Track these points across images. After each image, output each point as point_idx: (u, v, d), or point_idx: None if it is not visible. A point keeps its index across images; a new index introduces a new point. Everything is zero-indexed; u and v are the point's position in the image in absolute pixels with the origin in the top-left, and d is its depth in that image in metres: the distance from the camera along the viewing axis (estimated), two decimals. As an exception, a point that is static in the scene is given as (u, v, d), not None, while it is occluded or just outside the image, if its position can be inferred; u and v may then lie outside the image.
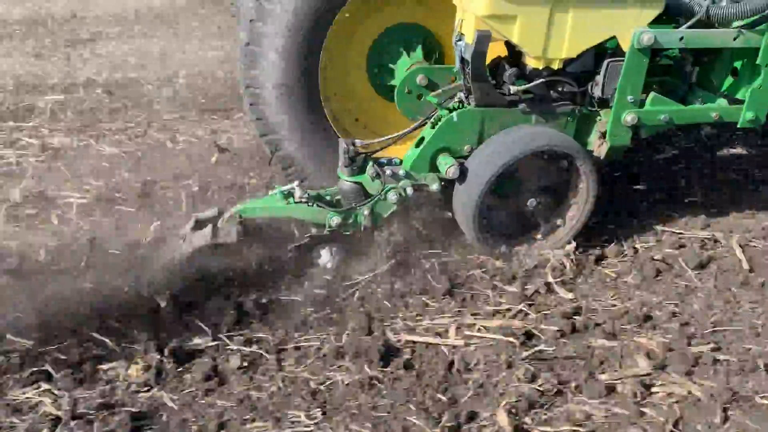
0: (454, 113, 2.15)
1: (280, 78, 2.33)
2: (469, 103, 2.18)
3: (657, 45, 2.02)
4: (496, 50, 2.20)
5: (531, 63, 2.08)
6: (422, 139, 2.20)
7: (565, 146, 2.13)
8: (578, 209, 2.25)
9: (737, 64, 2.26)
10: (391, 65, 2.56)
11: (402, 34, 2.55)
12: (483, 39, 1.99)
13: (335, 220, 2.12)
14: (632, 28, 2.01)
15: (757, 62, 2.11)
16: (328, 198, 2.22)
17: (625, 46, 2.04)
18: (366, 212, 2.14)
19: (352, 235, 2.18)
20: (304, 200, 2.11)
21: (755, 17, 2.05)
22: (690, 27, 2.05)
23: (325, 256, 2.15)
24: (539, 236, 2.29)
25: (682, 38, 2.05)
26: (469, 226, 2.19)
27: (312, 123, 2.40)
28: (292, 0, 2.24)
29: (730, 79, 2.29)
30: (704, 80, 2.34)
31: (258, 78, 2.35)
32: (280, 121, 2.39)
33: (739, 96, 2.21)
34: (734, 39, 2.09)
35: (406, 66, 2.45)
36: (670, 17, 2.11)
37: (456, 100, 2.25)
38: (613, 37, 2.04)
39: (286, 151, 2.44)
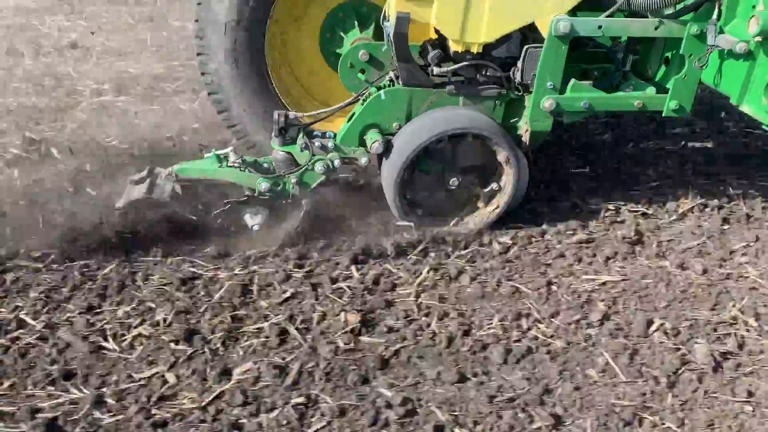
0: (382, 91, 2.26)
1: (228, 43, 2.46)
2: (396, 82, 2.28)
3: (574, 33, 2.07)
4: (428, 31, 2.28)
5: (452, 45, 2.16)
6: (353, 114, 2.32)
7: (484, 129, 2.20)
8: (501, 192, 2.33)
9: (668, 54, 2.28)
10: (342, 37, 2.65)
11: (357, 8, 2.64)
12: (402, 20, 2.07)
13: (264, 185, 2.26)
14: (551, 14, 2.06)
15: (681, 52, 2.14)
16: (265, 165, 2.36)
17: (545, 33, 2.09)
18: (294, 180, 2.28)
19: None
20: (236, 165, 2.27)
21: (678, 7, 2.08)
22: (611, 16, 2.09)
23: (251, 219, 2.30)
24: (461, 215, 2.38)
25: (600, 27, 2.08)
26: (390, 200, 2.30)
27: (257, 89, 2.53)
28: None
29: (663, 68, 2.32)
30: (639, 68, 2.37)
31: (210, 61, 2.49)
32: (228, 85, 2.53)
33: (668, 85, 2.24)
34: (655, 28, 2.11)
35: (349, 41, 2.55)
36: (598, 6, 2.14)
37: (387, 78, 2.34)
38: (532, 22, 2.10)
39: (234, 114, 2.58)
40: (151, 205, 2.22)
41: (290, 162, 2.31)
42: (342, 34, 2.61)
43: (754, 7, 1.93)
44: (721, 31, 2.04)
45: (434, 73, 2.24)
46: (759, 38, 1.89)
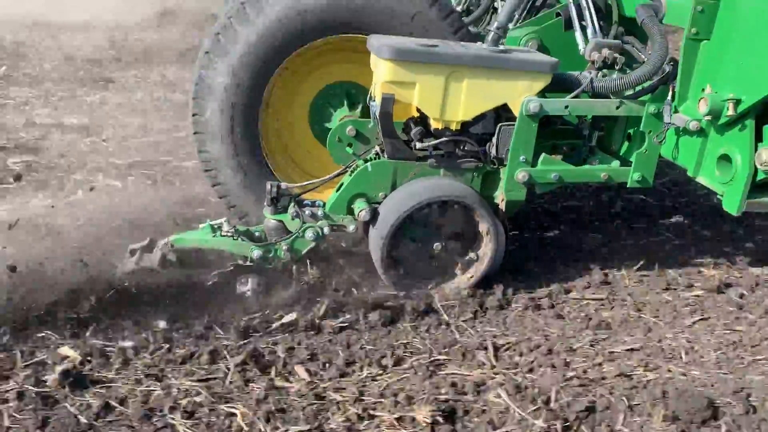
0: (369, 164, 2.43)
1: (225, 121, 2.63)
2: (382, 155, 2.45)
3: (543, 112, 2.28)
4: (411, 110, 2.48)
5: (433, 123, 2.35)
6: (342, 184, 2.48)
7: (462, 197, 2.37)
8: (480, 257, 2.48)
9: (630, 130, 2.49)
10: (331, 113, 2.84)
11: (343, 89, 2.85)
12: (387, 101, 2.27)
13: (256, 253, 2.38)
14: (522, 96, 2.27)
15: (642, 129, 2.35)
16: (257, 234, 2.49)
17: (517, 112, 2.29)
18: (285, 247, 2.41)
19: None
20: (230, 234, 2.40)
21: (636, 89, 2.30)
22: (576, 97, 2.31)
23: (245, 285, 2.41)
24: (444, 279, 2.51)
25: (566, 107, 2.30)
26: (378, 265, 2.43)
27: (250, 163, 2.69)
28: (231, 64, 2.55)
29: (626, 144, 2.53)
30: (605, 144, 2.58)
31: (203, 118, 2.66)
32: (221, 157, 2.68)
33: (631, 159, 2.44)
34: (617, 108, 2.33)
35: (338, 118, 2.74)
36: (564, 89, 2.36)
37: (373, 152, 2.52)
38: (505, 103, 2.30)
39: (225, 184, 2.73)
40: (151, 274, 2.33)
41: (282, 230, 2.44)
42: (332, 110, 2.80)
43: (703, 89, 2.15)
44: (676, 111, 2.26)
45: (417, 147, 2.42)
46: (709, 117, 2.10)
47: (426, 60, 2.21)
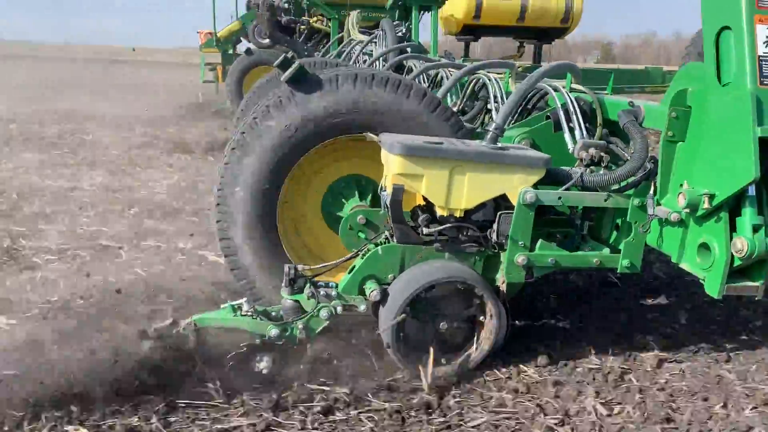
0: (379, 248, 2.64)
1: (246, 224, 2.87)
2: (391, 240, 2.67)
3: (539, 202, 2.51)
4: (418, 198, 2.72)
5: (438, 210, 2.58)
6: (354, 267, 2.67)
7: (466, 279, 2.56)
8: (484, 336, 2.64)
9: (618, 221, 2.73)
10: (343, 203, 3.09)
11: (354, 181, 3.11)
12: (397, 191, 2.51)
13: (274, 331, 2.54)
14: (519, 188, 2.51)
15: (628, 220, 2.58)
16: (273, 313, 2.66)
17: (515, 202, 2.53)
18: (300, 326, 2.57)
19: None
20: (249, 314, 2.57)
21: (621, 184, 2.56)
22: (568, 189, 2.56)
23: (263, 362, 2.55)
24: (451, 357, 2.66)
25: (559, 198, 2.54)
26: (387, 342, 2.58)
27: (269, 248, 2.90)
28: (256, 159, 2.82)
29: (614, 233, 2.76)
30: (596, 232, 2.81)
31: (227, 208, 2.89)
32: (244, 247, 2.89)
33: (620, 246, 2.65)
34: (605, 200, 2.57)
35: (349, 208, 2.98)
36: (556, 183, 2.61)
37: (383, 237, 2.74)
38: (503, 194, 2.55)
39: (244, 268, 2.92)
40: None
41: (298, 309, 2.61)
42: (343, 201, 3.05)
43: (681, 185, 2.39)
44: (659, 204, 2.49)
45: (423, 233, 2.64)
46: (687, 210, 2.33)
47: (432, 155, 2.48)
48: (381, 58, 5.33)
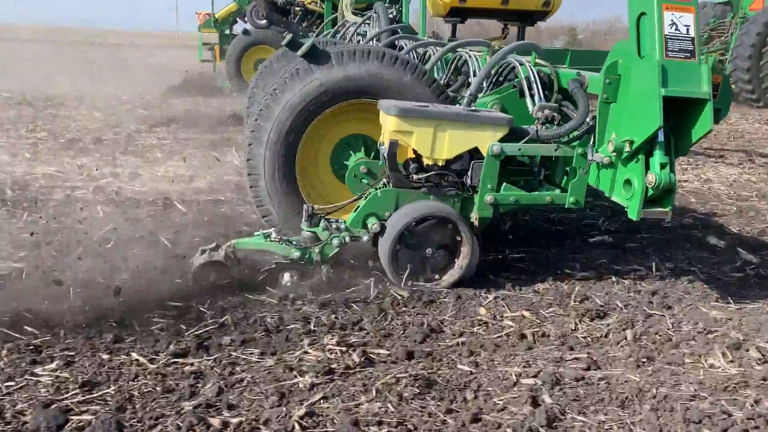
0: (378, 191, 3.34)
1: (270, 172, 3.55)
2: (388, 185, 3.37)
3: (504, 153, 3.22)
4: (409, 152, 3.42)
5: (426, 161, 3.28)
6: (358, 207, 3.37)
7: (447, 214, 3.26)
8: (462, 260, 3.35)
9: (567, 168, 3.43)
10: (349, 156, 3.79)
11: (355, 139, 3.80)
12: (393, 145, 3.21)
13: (296, 254, 3.24)
14: (488, 142, 3.22)
15: (573, 165, 3.29)
16: (294, 241, 3.35)
17: (485, 153, 3.23)
18: (317, 251, 3.27)
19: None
20: (276, 240, 3.26)
21: (570, 137, 3.26)
22: (527, 142, 3.26)
23: (286, 278, 3.26)
24: (436, 277, 3.37)
25: (519, 149, 3.24)
26: (386, 266, 3.28)
27: (289, 193, 3.59)
28: (281, 112, 3.50)
29: (564, 177, 3.46)
30: (551, 176, 3.52)
31: (256, 172, 3.57)
32: (268, 191, 3.58)
33: (567, 187, 3.36)
34: (555, 150, 3.28)
35: (354, 160, 3.68)
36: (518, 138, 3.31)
37: (380, 183, 3.44)
38: (476, 147, 3.25)
39: (273, 212, 3.62)
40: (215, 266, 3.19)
41: (314, 239, 3.30)
42: (351, 153, 3.74)
43: (611, 135, 3.09)
44: (596, 151, 3.20)
45: (413, 179, 3.34)
46: (615, 154, 3.02)
47: (420, 116, 3.17)
48: (374, 39, 5.98)
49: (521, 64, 3.67)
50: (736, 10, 14.68)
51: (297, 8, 11.69)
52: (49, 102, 10.19)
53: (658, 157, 2.87)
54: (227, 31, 13.56)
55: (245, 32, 11.68)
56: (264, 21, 11.22)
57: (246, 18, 12.05)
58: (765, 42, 13.23)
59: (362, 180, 3.56)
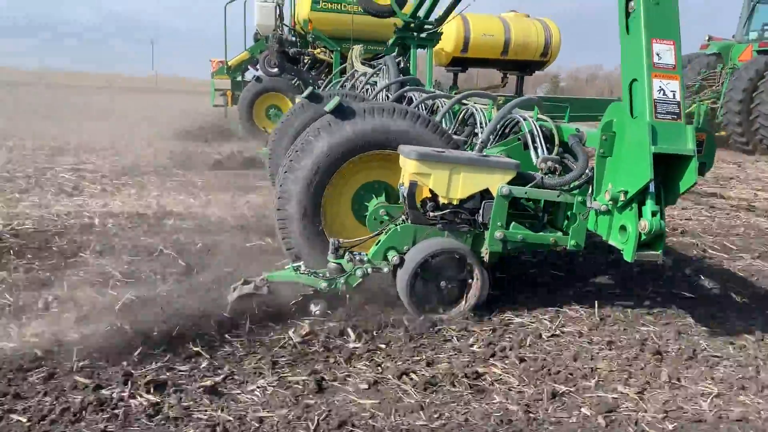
0: (398, 227, 3.69)
1: (299, 210, 3.91)
2: (407, 221, 3.72)
3: (512, 195, 3.58)
4: (426, 192, 3.78)
5: (441, 200, 3.64)
6: (380, 241, 3.71)
7: (460, 249, 3.61)
8: (473, 292, 3.67)
9: (568, 212, 3.78)
10: (366, 203, 4.15)
11: (374, 185, 4.17)
12: (412, 185, 3.57)
13: (323, 285, 3.56)
14: (498, 183, 3.58)
15: (574, 211, 3.64)
16: (320, 273, 3.68)
17: (495, 194, 3.59)
18: (342, 281, 3.60)
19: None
20: (306, 273, 3.59)
21: (571, 185, 3.62)
22: (533, 187, 3.62)
23: (314, 306, 3.57)
24: (450, 308, 3.69)
25: (526, 192, 3.61)
26: (403, 296, 3.60)
27: (316, 234, 3.94)
28: (308, 165, 3.87)
29: (565, 221, 3.81)
30: (553, 220, 3.87)
31: (286, 210, 3.93)
32: (297, 233, 3.93)
33: (569, 230, 3.70)
34: (558, 196, 3.64)
35: (374, 204, 4.05)
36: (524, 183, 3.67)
37: (400, 220, 3.79)
38: (487, 188, 3.61)
39: (299, 249, 3.95)
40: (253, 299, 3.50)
41: (340, 270, 3.63)
42: (372, 197, 4.10)
43: (608, 186, 3.44)
44: (594, 199, 3.54)
45: (430, 216, 3.69)
46: (611, 203, 3.37)
47: (438, 160, 3.54)
48: (384, 89, 6.43)
49: (525, 119, 4.06)
50: (726, 60, 15.36)
51: (307, 57, 12.28)
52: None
53: (649, 206, 3.19)
54: (239, 78, 14.13)
55: (258, 79, 12.23)
56: (275, 69, 11.76)
57: (258, 66, 12.60)
58: (755, 90, 13.83)
59: (381, 222, 3.92)
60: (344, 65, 10.00)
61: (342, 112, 3.91)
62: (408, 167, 3.59)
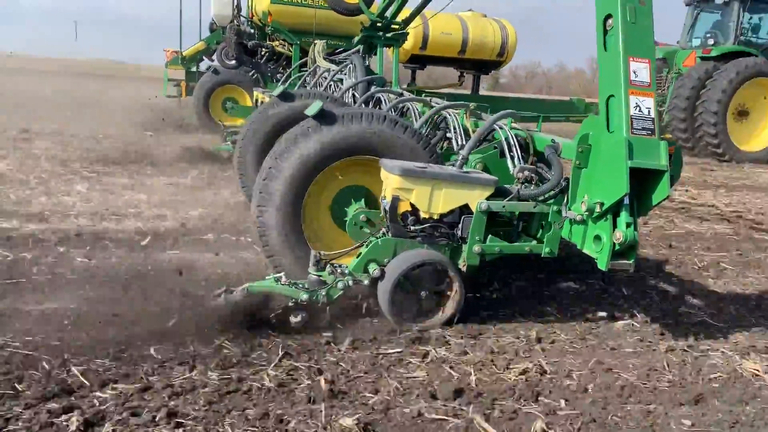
0: (379, 239, 3.73)
1: (279, 217, 3.90)
2: (387, 234, 3.77)
3: (490, 209, 3.67)
4: (406, 205, 3.83)
5: (422, 214, 3.70)
6: (361, 253, 3.75)
7: (439, 261, 3.68)
8: (451, 302, 3.76)
9: (543, 222, 3.91)
10: (346, 208, 4.18)
11: (354, 190, 4.20)
12: (395, 200, 3.62)
13: (304, 296, 3.57)
14: (477, 199, 3.67)
15: (549, 221, 3.77)
16: (301, 285, 3.70)
17: (474, 209, 3.68)
18: (323, 293, 3.62)
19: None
20: (286, 283, 3.60)
21: (546, 196, 3.74)
22: (510, 200, 3.73)
23: (295, 317, 3.59)
24: (428, 317, 3.77)
25: (504, 206, 3.71)
26: (384, 307, 3.66)
27: (296, 241, 3.94)
28: (289, 167, 3.87)
29: (540, 230, 3.94)
30: (527, 228, 3.99)
31: (265, 217, 3.91)
32: (278, 241, 3.93)
33: (543, 239, 3.83)
34: (534, 207, 3.76)
35: (354, 209, 4.08)
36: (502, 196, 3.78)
37: (381, 232, 3.84)
38: (467, 203, 3.70)
39: (279, 257, 3.95)
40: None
41: (321, 282, 3.66)
42: (352, 201, 4.13)
43: (584, 197, 3.57)
44: (569, 209, 3.68)
45: (410, 229, 3.75)
46: (587, 213, 3.51)
47: (420, 176, 3.60)
48: (351, 89, 6.44)
49: (501, 128, 4.16)
50: (671, 65, 15.97)
51: (265, 50, 12.12)
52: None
53: (624, 217, 3.36)
54: (193, 69, 13.83)
55: (215, 71, 12.00)
56: (233, 61, 11.58)
57: (215, 57, 12.37)
58: (699, 95, 14.45)
59: (361, 228, 3.95)
60: (304, 59, 9.92)
61: (324, 117, 3.92)
62: (391, 182, 3.64)
